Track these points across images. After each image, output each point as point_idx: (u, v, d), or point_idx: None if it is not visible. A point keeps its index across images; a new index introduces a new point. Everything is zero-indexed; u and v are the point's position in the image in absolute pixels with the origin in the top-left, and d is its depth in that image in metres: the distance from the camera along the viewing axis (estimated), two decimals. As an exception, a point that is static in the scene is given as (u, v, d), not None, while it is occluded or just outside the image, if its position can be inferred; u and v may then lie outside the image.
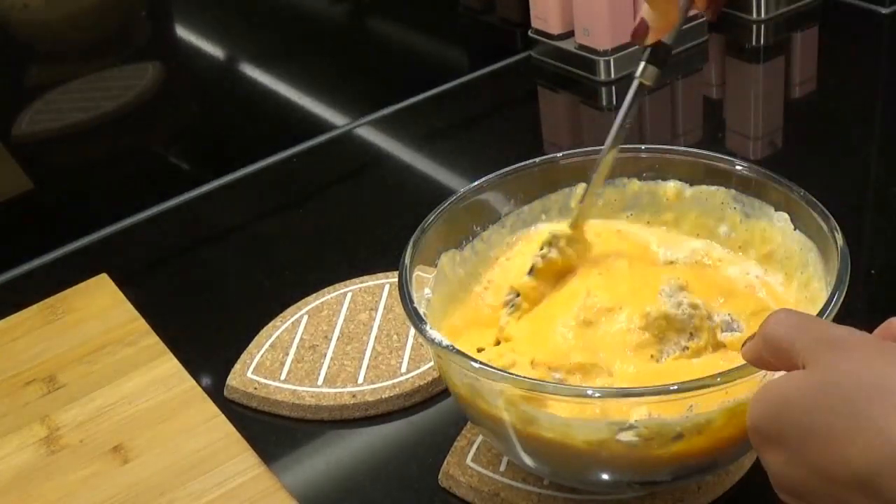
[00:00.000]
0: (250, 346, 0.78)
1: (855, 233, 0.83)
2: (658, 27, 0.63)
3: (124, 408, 0.75)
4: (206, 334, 0.83)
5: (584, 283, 0.65)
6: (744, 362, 0.52)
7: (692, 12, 0.65)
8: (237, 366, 0.76)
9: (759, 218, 0.67)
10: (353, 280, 0.83)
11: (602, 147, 0.66)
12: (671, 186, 0.70)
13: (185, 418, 0.74)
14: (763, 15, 1.18)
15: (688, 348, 0.60)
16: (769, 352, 0.45)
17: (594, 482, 0.61)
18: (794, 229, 0.65)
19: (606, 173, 0.67)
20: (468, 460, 0.66)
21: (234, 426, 0.72)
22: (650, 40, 0.63)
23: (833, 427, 0.40)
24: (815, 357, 0.42)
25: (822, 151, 0.97)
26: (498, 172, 0.70)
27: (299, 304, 0.81)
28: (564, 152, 0.72)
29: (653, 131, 1.08)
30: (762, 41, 1.18)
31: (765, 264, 0.67)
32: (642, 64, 0.64)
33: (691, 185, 0.70)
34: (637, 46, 0.64)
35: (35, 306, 0.87)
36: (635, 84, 0.64)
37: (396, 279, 0.63)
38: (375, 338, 0.77)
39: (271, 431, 0.72)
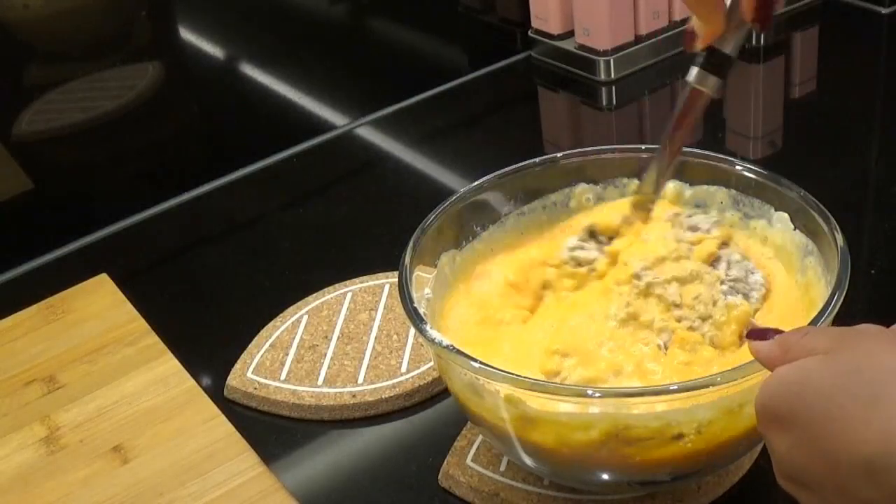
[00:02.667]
0: (250, 346, 0.78)
1: (855, 233, 0.83)
2: (704, 34, 0.60)
3: (124, 408, 0.75)
4: (206, 334, 0.83)
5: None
6: (743, 363, 0.52)
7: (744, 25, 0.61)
8: (237, 366, 0.76)
9: (758, 218, 0.67)
10: (353, 280, 0.83)
11: (606, 148, 0.67)
12: (670, 187, 0.70)
13: (185, 418, 0.74)
14: (763, 15, 1.18)
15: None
16: (784, 348, 0.45)
17: (594, 482, 0.61)
18: (794, 229, 0.65)
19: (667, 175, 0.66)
20: (468, 460, 0.66)
21: (234, 426, 0.72)
22: (698, 47, 0.60)
23: (848, 410, 0.40)
24: (836, 345, 0.43)
25: (822, 151, 0.97)
26: (498, 172, 0.70)
27: (299, 304, 0.81)
28: (564, 152, 0.72)
29: (653, 131, 1.08)
30: (762, 41, 1.18)
31: (763, 264, 0.67)
32: (694, 70, 0.61)
33: (691, 185, 0.70)
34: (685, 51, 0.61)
35: (35, 306, 0.87)
36: (687, 90, 0.61)
37: (396, 279, 0.63)
38: (375, 338, 0.77)
39: (271, 431, 0.72)
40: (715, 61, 0.60)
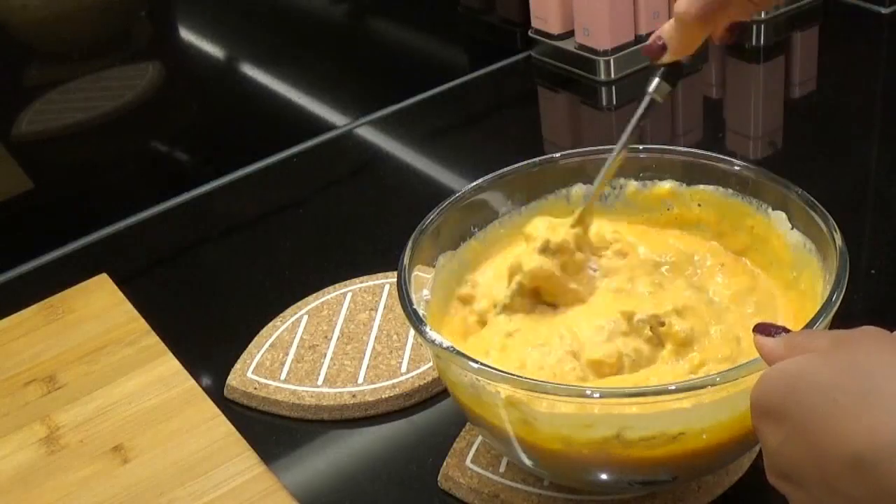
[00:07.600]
0: (250, 346, 0.78)
1: (855, 233, 0.83)
2: (676, 51, 0.62)
3: (124, 408, 0.75)
4: (206, 334, 0.83)
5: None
6: (743, 362, 0.52)
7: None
8: (237, 366, 0.76)
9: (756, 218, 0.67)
10: (353, 280, 0.83)
11: (605, 148, 0.66)
12: (667, 187, 0.70)
13: (185, 418, 0.74)
14: (763, 15, 1.18)
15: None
16: (788, 347, 0.46)
17: (594, 482, 0.61)
18: (792, 229, 0.65)
19: (611, 176, 0.66)
20: (468, 461, 0.66)
21: (234, 426, 0.72)
22: (666, 59, 0.62)
23: (839, 404, 0.40)
24: (835, 343, 0.43)
25: (822, 151, 0.97)
26: (498, 172, 0.70)
27: (299, 304, 0.81)
28: (564, 152, 0.72)
29: (653, 131, 1.08)
30: (762, 41, 1.18)
31: (763, 264, 0.67)
32: (656, 80, 0.63)
33: (688, 185, 0.70)
34: (648, 63, 0.64)
35: (35, 306, 0.87)
36: (647, 100, 0.63)
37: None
38: (375, 338, 0.77)
39: (271, 431, 0.72)
40: (673, 72, 0.63)
